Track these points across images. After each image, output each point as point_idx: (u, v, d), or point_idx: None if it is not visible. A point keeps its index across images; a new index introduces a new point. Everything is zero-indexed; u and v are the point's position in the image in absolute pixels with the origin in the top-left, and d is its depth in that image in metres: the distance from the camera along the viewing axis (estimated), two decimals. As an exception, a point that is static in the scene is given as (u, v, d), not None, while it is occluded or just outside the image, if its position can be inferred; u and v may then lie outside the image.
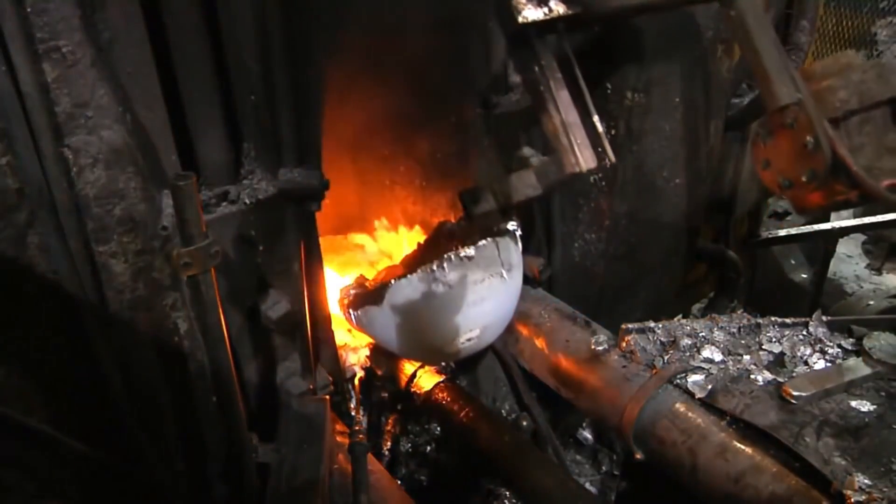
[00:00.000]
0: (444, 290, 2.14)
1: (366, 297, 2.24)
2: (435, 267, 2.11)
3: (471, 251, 2.14)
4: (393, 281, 2.15)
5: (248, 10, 1.73)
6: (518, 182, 2.33)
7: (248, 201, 1.93)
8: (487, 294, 2.23)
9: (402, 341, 2.27)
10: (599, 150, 2.25)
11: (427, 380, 2.52)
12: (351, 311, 2.29)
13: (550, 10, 2.11)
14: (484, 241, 2.19)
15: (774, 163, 2.03)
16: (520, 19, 2.07)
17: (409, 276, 2.14)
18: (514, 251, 2.29)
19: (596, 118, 2.28)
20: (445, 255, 2.12)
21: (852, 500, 1.71)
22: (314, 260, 2.10)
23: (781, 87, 1.93)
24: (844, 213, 5.30)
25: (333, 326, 2.34)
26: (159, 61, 1.71)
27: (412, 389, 2.54)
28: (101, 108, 1.55)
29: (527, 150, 2.51)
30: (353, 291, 2.33)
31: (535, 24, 2.11)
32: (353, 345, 2.59)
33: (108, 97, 1.56)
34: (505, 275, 2.25)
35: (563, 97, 2.18)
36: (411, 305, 2.16)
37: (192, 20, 1.72)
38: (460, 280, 2.15)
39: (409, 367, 2.57)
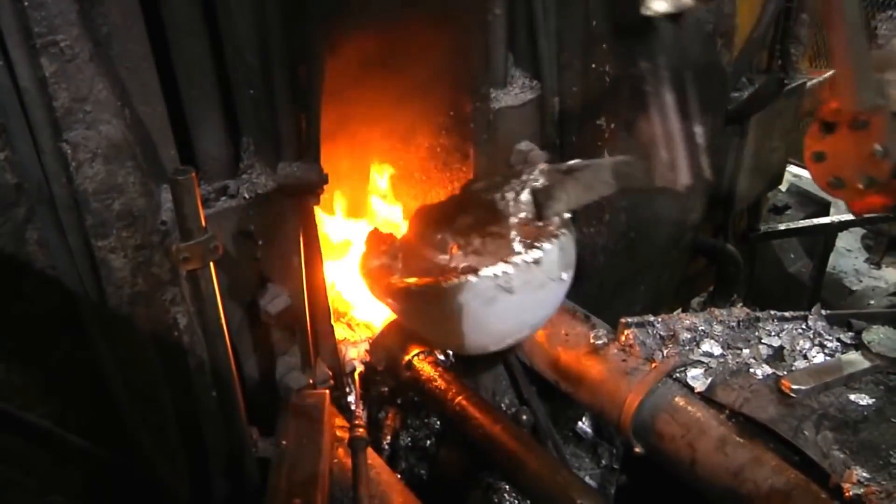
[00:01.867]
0: (505, 297, 1.99)
1: (414, 293, 2.09)
2: (500, 272, 1.95)
3: (538, 254, 1.99)
4: (447, 283, 1.97)
5: (247, 4, 1.72)
6: (593, 179, 2.13)
7: (247, 196, 1.92)
8: (545, 298, 2.12)
9: (443, 337, 2.17)
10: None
11: (424, 368, 2.52)
12: (390, 300, 2.15)
13: (680, 3, 1.96)
14: (550, 244, 2.03)
15: (830, 159, 1.91)
16: (645, 11, 1.93)
17: (469, 279, 1.95)
18: (573, 248, 2.15)
19: (698, 129, 2.09)
20: (512, 259, 1.96)
21: (850, 493, 1.72)
22: (313, 254, 2.10)
23: (865, 91, 1.80)
24: (844, 206, 5.30)
25: (333, 321, 2.34)
26: (158, 56, 1.71)
27: (407, 376, 2.54)
28: (99, 102, 1.55)
29: (525, 145, 2.51)
30: (397, 284, 2.13)
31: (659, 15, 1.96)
32: (353, 339, 2.60)
33: (107, 92, 1.56)
34: (564, 276, 2.12)
35: (670, 102, 2.00)
36: (466, 308, 2.01)
37: (191, 14, 1.72)
38: (523, 286, 2.00)
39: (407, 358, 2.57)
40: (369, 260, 2.25)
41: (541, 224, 2.10)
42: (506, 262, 1.96)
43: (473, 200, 2.31)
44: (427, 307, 2.07)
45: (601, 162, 2.10)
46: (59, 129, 1.51)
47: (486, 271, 1.95)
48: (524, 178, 2.20)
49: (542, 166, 2.22)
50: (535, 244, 2.02)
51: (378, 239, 2.31)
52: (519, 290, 1.99)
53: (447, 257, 2.21)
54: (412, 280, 2.08)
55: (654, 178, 2.03)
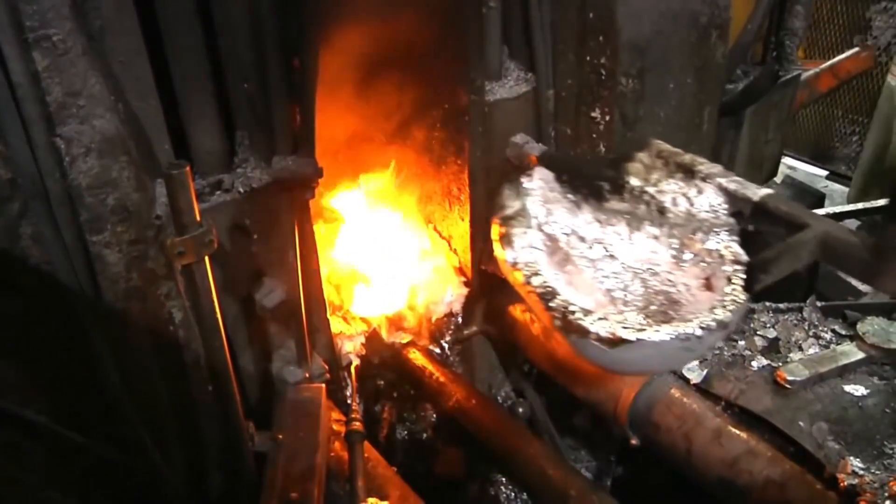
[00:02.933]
0: (684, 354, 1.84)
1: (594, 339, 1.82)
2: (691, 332, 1.76)
3: (729, 316, 1.80)
4: (637, 338, 1.76)
5: (241, -2, 1.72)
6: (803, 249, 1.93)
7: (242, 190, 1.92)
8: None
9: (597, 365, 2.00)
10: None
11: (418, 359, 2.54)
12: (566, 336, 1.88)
13: None
14: (738, 306, 1.83)
15: None
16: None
17: (661, 338, 1.76)
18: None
19: None
20: (706, 322, 1.77)
21: (845, 483, 1.73)
22: (309, 248, 2.10)
23: None
24: (838, 199, 5.31)
25: (328, 314, 2.34)
26: (152, 50, 1.71)
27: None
28: (93, 97, 1.54)
29: (520, 137, 2.50)
30: (574, 321, 1.83)
31: None
32: (349, 333, 2.59)
33: (100, 86, 1.55)
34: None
35: None
36: (640, 358, 1.85)
37: (185, 8, 1.71)
38: (704, 347, 1.85)
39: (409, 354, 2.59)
40: (503, 210, 2.09)
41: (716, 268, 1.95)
42: (700, 325, 1.78)
43: (624, 178, 2.22)
44: (600, 351, 1.84)
45: (811, 233, 1.90)
46: (52, 123, 1.50)
47: (675, 331, 1.77)
48: (698, 182, 2.11)
49: (724, 180, 2.09)
50: (724, 306, 1.83)
51: (509, 187, 2.17)
52: (699, 349, 1.85)
53: (579, 222, 2.13)
54: (592, 326, 1.81)
55: (872, 276, 1.82)
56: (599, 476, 2.86)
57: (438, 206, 2.78)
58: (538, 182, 2.20)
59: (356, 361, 2.53)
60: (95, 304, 1.71)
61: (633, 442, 2.23)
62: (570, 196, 2.21)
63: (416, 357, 2.57)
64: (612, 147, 2.53)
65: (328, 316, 2.33)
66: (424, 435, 2.75)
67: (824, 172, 5.83)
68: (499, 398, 2.90)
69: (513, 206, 2.11)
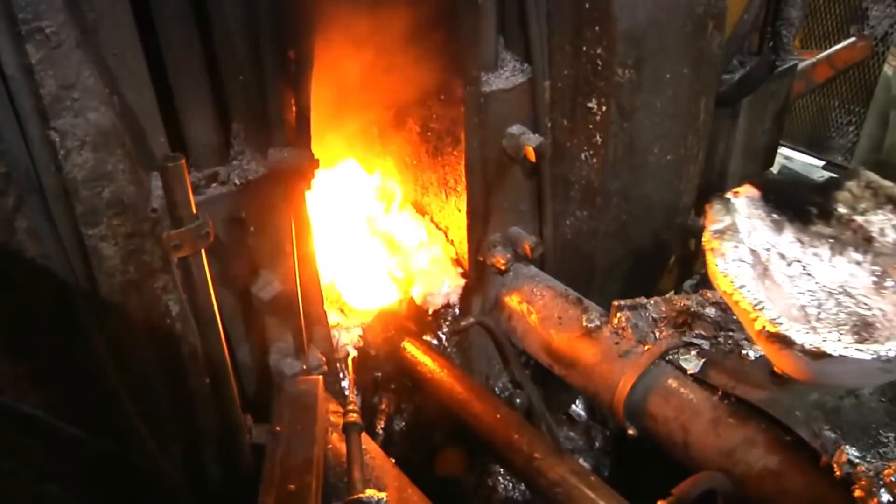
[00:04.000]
0: (883, 375, 1.85)
1: (798, 350, 1.85)
2: (893, 355, 1.77)
3: None
4: (840, 354, 1.79)
5: (236, -11, 1.71)
6: None
7: (237, 182, 1.92)
8: None
9: (794, 373, 2.00)
10: None
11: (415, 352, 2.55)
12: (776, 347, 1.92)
13: None
14: None
15: None
16: None
17: (862, 356, 1.78)
18: None
19: None
20: None
21: (841, 471, 1.73)
22: (305, 240, 2.09)
23: None
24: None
25: (325, 306, 2.34)
26: (146, 42, 1.70)
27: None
28: (87, 89, 1.53)
29: (516, 128, 2.50)
30: (776, 332, 1.87)
31: None
32: (346, 325, 2.60)
33: (95, 79, 1.54)
34: None
35: None
36: (837, 374, 1.88)
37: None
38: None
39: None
40: (714, 223, 2.22)
41: None
42: None
43: (832, 205, 2.29)
44: (799, 360, 1.88)
45: None
46: (46, 116, 1.50)
47: (877, 352, 1.79)
48: None
49: None
50: None
51: (718, 202, 2.31)
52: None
53: (780, 241, 2.23)
54: (798, 338, 1.85)
55: None
56: (597, 467, 2.87)
57: (435, 197, 2.78)
58: (744, 199, 2.32)
59: (353, 353, 2.53)
60: (92, 297, 1.70)
61: (631, 432, 2.23)
62: (774, 215, 2.31)
63: (412, 348, 2.57)
64: (607, 137, 2.53)
65: (325, 308, 2.33)
66: (422, 425, 2.76)
67: (821, 163, 5.83)
68: (496, 389, 2.91)
69: (724, 220, 2.22)
